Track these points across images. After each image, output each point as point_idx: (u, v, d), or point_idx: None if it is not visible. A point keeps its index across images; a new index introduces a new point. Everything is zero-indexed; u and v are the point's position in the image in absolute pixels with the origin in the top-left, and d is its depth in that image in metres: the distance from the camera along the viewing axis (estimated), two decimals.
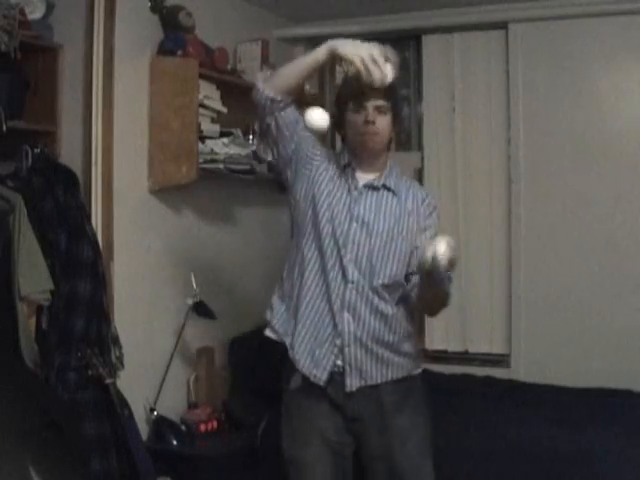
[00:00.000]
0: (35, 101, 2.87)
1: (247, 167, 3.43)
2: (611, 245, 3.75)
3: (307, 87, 4.09)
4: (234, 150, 3.37)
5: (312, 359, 2.26)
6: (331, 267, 2.24)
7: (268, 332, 2.43)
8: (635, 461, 2.82)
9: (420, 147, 4.21)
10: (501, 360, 4.02)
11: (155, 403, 3.12)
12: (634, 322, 3.67)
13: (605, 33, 3.71)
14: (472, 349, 4.07)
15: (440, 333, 4.09)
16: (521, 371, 3.90)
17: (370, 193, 2.29)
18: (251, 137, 3.67)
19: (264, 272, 3.91)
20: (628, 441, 2.91)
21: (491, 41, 4.00)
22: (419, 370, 2.40)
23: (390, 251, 2.26)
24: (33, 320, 2.62)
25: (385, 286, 2.26)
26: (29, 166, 2.71)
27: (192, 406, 3.34)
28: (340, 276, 2.24)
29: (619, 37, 3.70)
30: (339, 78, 4.55)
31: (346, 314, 2.24)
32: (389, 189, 2.30)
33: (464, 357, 4.07)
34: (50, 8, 2.89)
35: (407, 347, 2.34)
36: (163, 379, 3.16)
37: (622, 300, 3.72)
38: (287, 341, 2.33)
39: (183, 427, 3.18)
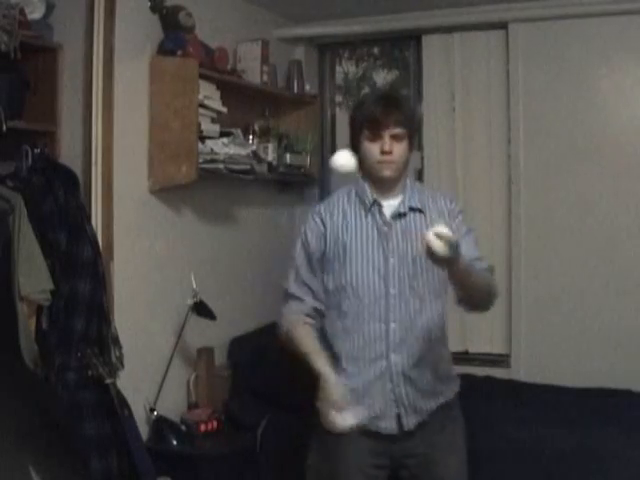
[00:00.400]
0: (35, 101, 2.87)
1: (247, 167, 3.44)
2: (611, 245, 3.75)
3: (307, 87, 4.10)
4: (234, 150, 3.37)
5: (375, 414, 2.19)
6: (373, 313, 2.19)
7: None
8: (635, 461, 2.82)
9: (420, 147, 4.21)
10: (501, 360, 4.02)
11: (155, 403, 3.12)
12: (634, 322, 3.67)
13: (605, 33, 3.71)
14: (472, 349, 4.07)
15: None
16: (521, 371, 3.90)
17: (399, 222, 2.23)
18: (251, 137, 3.67)
19: (264, 272, 3.91)
20: (628, 441, 2.91)
21: (491, 41, 3.99)
22: (458, 389, 2.37)
23: (430, 273, 2.20)
24: (33, 320, 2.62)
25: (430, 308, 2.23)
26: (29, 166, 2.71)
27: (192, 406, 3.34)
28: (383, 319, 2.19)
29: (619, 37, 3.69)
30: (339, 78, 4.56)
31: (392, 355, 2.19)
32: (415, 209, 2.25)
33: (464, 357, 4.06)
34: (50, 8, 2.89)
35: (449, 370, 2.34)
36: (163, 379, 3.16)
37: (622, 300, 3.72)
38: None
39: (183, 427, 3.18)
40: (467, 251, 2.19)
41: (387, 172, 2.20)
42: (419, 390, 2.22)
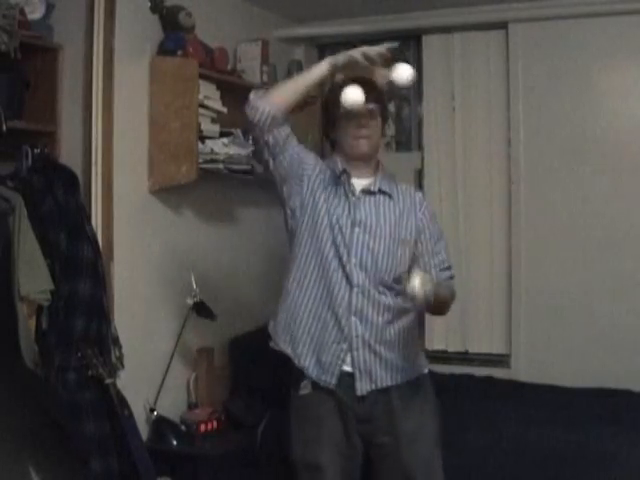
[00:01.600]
0: (35, 101, 2.87)
1: (247, 167, 3.43)
2: (611, 245, 3.75)
3: None
4: (234, 150, 3.37)
5: (320, 365, 2.28)
6: (333, 272, 2.26)
7: (272, 344, 2.45)
8: (635, 461, 2.82)
9: (420, 147, 4.21)
10: (501, 360, 4.02)
11: (155, 403, 3.12)
12: (634, 322, 3.67)
13: (605, 33, 3.71)
14: (472, 349, 4.07)
15: (440, 333, 4.09)
16: (521, 371, 3.90)
17: (368, 198, 2.31)
18: (251, 137, 3.66)
19: (264, 272, 3.91)
20: (628, 441, 2.91)
21: (491, 41, 3.99)
22: (426, 370, 2.42)
23: (394, 253, 2.28)
24: (33, 320, 2.62)
25: (390, 287, 2.28)
26: (29, 166, 2.71)
27: (192, 406, 3.34)
28: (344, 281, 2.25)
29: (619, 37, 3.69)
30: (339, 78, 4.55)
31: (353, 318, 2.25)
32: (384, 193, 2.33)
33: (464, 357, 4.06)
34: (50, 8, 2.89)
35: (414, 348, 2.37)
36: (163, 379, 3.16)
37: (622, 300, 3.72)
38: (290, 351, 2.35)
39: (183, 427, 3.18)
40: (439, 259, 2.35)
41: (363, 147, 2.29)
42: (377, 358, 2.27)
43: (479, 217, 4.04)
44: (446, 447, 2.44)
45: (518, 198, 3.92)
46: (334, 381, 2.27)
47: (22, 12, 2.72)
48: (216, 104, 3.32)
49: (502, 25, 3.91)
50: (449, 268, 2.40)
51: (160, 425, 3.10)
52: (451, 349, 4.11)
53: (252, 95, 2.29)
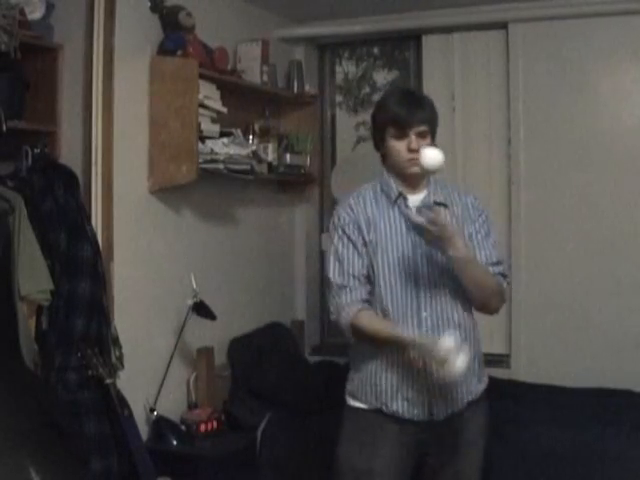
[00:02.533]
0: (35, 101, 2.87)
1: (247, 167, 3.43)
2: (611, 245, 3.74)
3: (307, 87, 4.10)
4: (234, 150, 3.37)
5: (408, 401, 2.23)
6: (405, 302, 2.22)
7: (352, 402, 2.34)
8: (635, 461, 2.82)
9: None
10: (501, 360, 4.02)
11: (155, 403, 3.12)
12: (634, 322, 3.67)
13: (605, 33, 3.71)
14: None
15: None
16: (521, 371, 3.90)
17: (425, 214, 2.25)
18: (251, 137, 3.67)
19: (264, 272, 3.91)
20: (628, 441, 2.91)
21: (491, 41, 3.99)
22: (487, 384, 2.38)
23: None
24: (33, 320, 2.62)
25: (461, 299, 2.27)
26: (29, 166, 2.71)
27: (192, 406, 3.34)
28: (415, 306, 2.22)
29: (619, 37, 3.69)
30: (339, 78, 4.55)
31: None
32: (440, 204, 2.29)
33: None
34: (50, 8, 2.89)
35: (481, 359, 2.36)
36: (163, 379, 3.16)
37: (622, 300, 3.72)
38: (372, 402, 2.28)
39: (183, 427, 3.18)
40: (486, 253, 2.29)
41: (415, 168, 2.24)
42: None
43: None
44: None
45: (518, 198, 3.92)
46: (426, 412, 2.23)
47: (22, 12, 2.72)
48: (216, 104, 3.32)
49: (502, 25, 3.91)
50: (501, 263, 2.33)
51: (160, 425, 3.10)
52: None
53: (337, 319, 2.28)
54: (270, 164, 3.76)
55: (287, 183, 4.11)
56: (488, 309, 2.38)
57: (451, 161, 4.07)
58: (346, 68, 4.56)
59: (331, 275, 2.28)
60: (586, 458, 2.86)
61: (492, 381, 3.77)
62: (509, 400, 3.48)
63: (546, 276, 3.88)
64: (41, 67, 2.90)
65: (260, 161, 3.61)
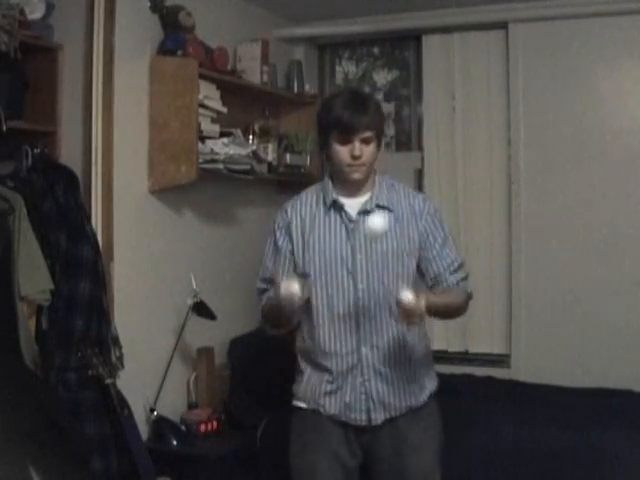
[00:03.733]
0: (35, 101, 2.87)
1: (247, 167, 3.43)
2: (611, 245, 3.75)
3: (307, 87, 4.10)
4: (234, 150, 3.36)
5: (345, 405, 2.25)
6: (342, 308, 2.22)
7: (297, 402, 2.37)
8: (635, 461, 2.82)
9: (420, 147, 4.21)
10: (501, 360, 4.02)
11: (155, 403, 3.12)
12: (634, 322, 3.67)
13: (605, 33, 3.71)
14: (472, 349, 4.07)
15: (440, 333, 4.08)
16: (521, 371, 3.90)
17: (365, 218, 2.23)
18: (251, 137, 3.67)
19: None
20: (628, 441, 2.91)
21: (491, 41, 4.00)
22: (436, 385, 2.39)
23: (399, 270, 2.23)
24: (33, 320, 2.62)
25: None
26: (29, 166, 2.71)
27: (192, 406, 3.34)
28: (353, 313, 2.22)
29: (619, 37, 3.70)
30: (339, 78, 4.56)
31: (364, 349, 2.22)
32: (383, 207, 2.26)
33: (464, 357, 4.07)
34: (50, 8, 2.89)
35: (427, 370, 2.36)
36: (163, 379, 3.16)
37: (622, 300, 3.72)
38: (311, 404, 2.31)
39: (183, 427, 3.18)
40: (447, 262, 2.28)
41: (356, 175, 2.22)
42: (390, 386, 2.24)
43: (479, 217, 4.04)
44: (446, 447, 2.44)
45: (518, 198, 3.93)
46: (364, 417, 2.24)
47: (22, 12, 2.72)
48: (216, 104, 3.32)
49: (502, 25, 3.92)
50: (460, 267, 2.32)
51: (160, 425, 3.10)
52: (451, 349, 4.11)
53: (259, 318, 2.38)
54: (270, 164, 3.76)
55: (287, 183, 4.11)
56: (458, 317, 2.44)
57: (451, 161, 4.08)
58: (346, 68, 4.57)
59: (256, 283, 2.37)
60: (586, 458, 2.86)
61: (492, 381, 3.84)
62: (509, 400, 3.48)
63: (546, 276, 3.88)
64: (41, 67, 2.90)
65: (260, 161, 3.61)
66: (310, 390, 2.31)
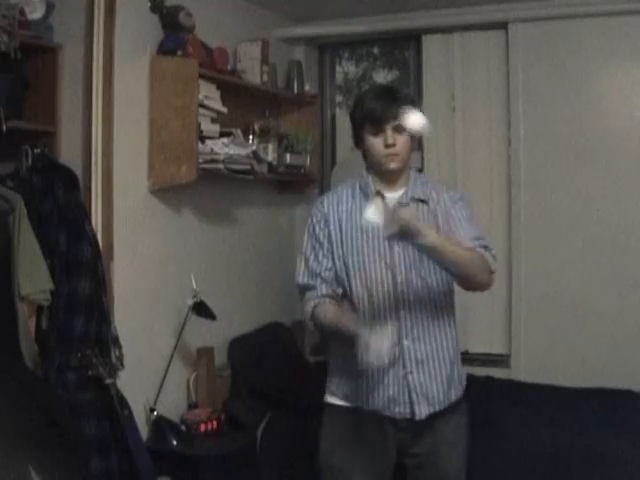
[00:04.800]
0: (35, 101, 2.87)
1: (247, 167, 3.43)
2: (611, 245, 3.75)
3: (307, 87, 4.10)
4: (234, 150, 3.36)
5: (388, 398, 2.24)
6: (382, 300, 2.22)
7: (332, 399, 2.37)
8: (635, 461, 2.82)
9: (420, 147, 4.21)
10: (501, 360, 4.02)
11: (155, 403, 3.12)
12: (634, 322, 3.67)
13: (605, 33, 3.71)
14: (472, 349, 4.07)
15: None
16: (521, 371, 3.90)
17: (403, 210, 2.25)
18: (251, 137, 3.67)
19: (264, 272, 3.91)
20: (628, 441, 2.91)
21: (491, 41, 4.00)
22: (466, 385, 2.40)
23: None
24: (33, 320, 2.62)
25: (438, 298, 2.26)
26: (29, 166, 2.71)
27: (192, 406, 3.34)
28: (393, 307, 2.22)
29: (619, 37, 3.70)
30: (339, 78, 4.56)
31: (405, 342, 2.22)
32: (418, 200, 2.28)
33: (464, 357, 4.00)
34: (50, 8, 2.89)
35: (461, 363, 2.37)
36: (163, 379, 3.16)
37: (622, 300, 3.72)
38: (352, 401, 2.30)
39: (183, 427, 3.18)
40: (464, 231, 2.26)
41: (392, 164, 2.24)
42: (432, 379, 2.25)
43: (479, 217, 4.02)
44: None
45: (518, 198, 3.93)
46: (408, 410, 2.23)
47: (22, 12, 2.72)
48: (216, 104, 3.32)
49: (502, 25, 3.92)
50: (479, 238, 2.28)
51: (160, 425, 3.10)
52: None
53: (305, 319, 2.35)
54: (270, 164, 3.76)
55: (287, 183, 4.11)
56: (478, 285, 2.26)
57: (451, 161, 4.08)
58: (346, 68, 4.57)
59: (299, 278, 2.32)
60: (586, 458, 2.86)
61: (492, 381, 3.84)
62: (509, 400, 3.48)
63: (546, 276, 3.88)
64: (41, 67, 2.89)
65: (260, 161, 3.61)
66: (348, 386, 2.29)
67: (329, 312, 2.23)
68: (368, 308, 2.24)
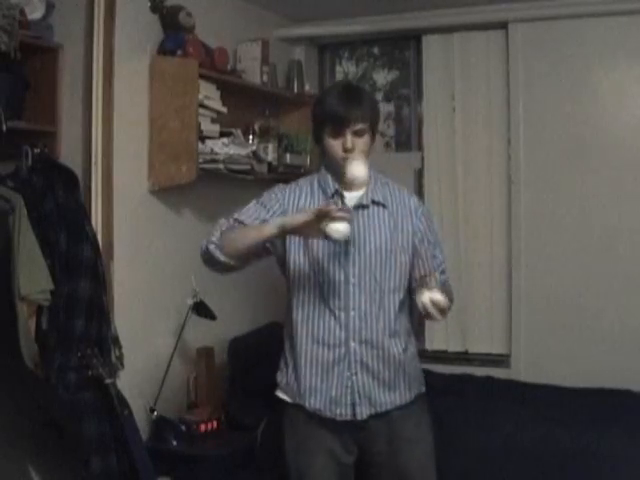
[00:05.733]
0: (35, 101, 2.87)
1: (247, 167, 3.44)
2: (612, 245, 3.75)
3: (307, 87, 4.10)
4: (234, 150, 3.37)
5: (330, 400, 2.24)
6: (332, 301, 2.21)
7: (279, 394, 2.39)
8: (635, 461, 2.82)
9: (420, 147, 4.21)
10: (501, 360, 4.02)
11: (155, 403, 3.12)
12: (634, 322, 3.67)
13: (605, 33, 3.71)
14: (472, 349, 4.07)
15: (440, 333, 4.09)
16: (521, 371, 3.91)
17: (361, 212, 2.24)
18: (251, 137, 3.67)
19: (264, 272, 3.89)
20: (628, 441, 2.91)
21: (491, 41, 4.00)
22: (424, 389, 2.38)
23: (391, 265, 2.23)
24: (33, 320, 2.62)
25: (391, 303, 2.25)
26: (29, 166, 2.71)
27: (192, 406, 3.34)
28: (343, 307, 2.22)
29: (619, 37, 3.70)
30: (339, 78, 4.56)
31: (352, 343, 2.22)
32: (378, 203, 2.27)
33: (464, 357, 4.07)
34: (50, 8, 2.89)
35: (414, 366, 2.35)
36: (163, 379, 3.16)
37: (622, 300, 3.72)
38: (296, 398, 2.31)
39: (183, 427, 3.18)
40: (436, 262, 2.27)
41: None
42: (376, 380, 2.24)
43: (479, 217, 4.04)
44: (446, 447, 2.44)
45: (518, 198, 3.93)
46: (349, 411, 2.23)
47: (22, 12, 2.72)
48: (216, 104, 3.32)
49: (502, 25, 3.92)
50: (445, 270, 2.34)
51: (160, 425, 3.10)
52: (451, 349, 4.11)
53: (205, 244, 2.31)
54: (270, 164, 3.76)
55: (287, 183, 4.11)
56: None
57: (451, 161, 4.08)
58: (346, 68, 4.57)
59: (224, 219, 2.28)
60: (586, 458, 2.86)
61: (492, 381, 3.84)
62: (509, 400, 3.48)
63: (546, 276, 3.88)
64: (41, 67, 2.89)
65: (260, 161, 3.61)
66: (295, 383, 2.29)
67: (242, 228, 2.22)
68: (318, 305, 2.22)
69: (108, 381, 2.68)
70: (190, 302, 3.17)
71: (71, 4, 2.93)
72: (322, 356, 2.23)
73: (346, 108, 2.18)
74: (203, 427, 3.17)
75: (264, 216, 2.29)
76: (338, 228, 2.00)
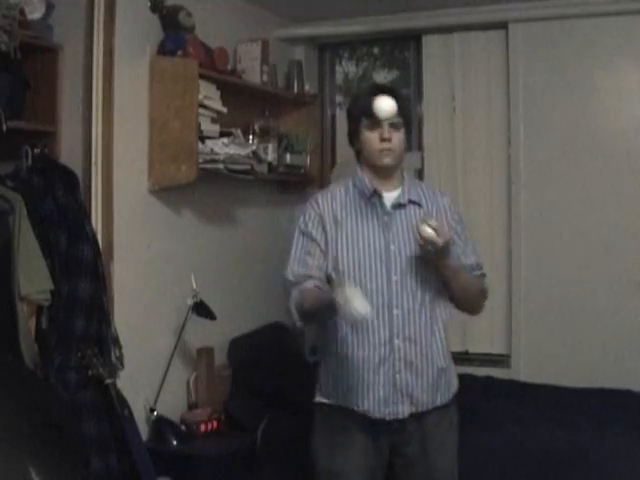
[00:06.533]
0: (35, 101, 2.87)
1: (247, 167, 3.43)
2: (611, 245, 3.75)
3: (307, 87, 4.10)
4: (234, 150, 3.37)
5: (379, 401, 2.24)
6: (375, 300, 2.21)
7: (321, 398, 2.38)
8: (635, 461, 2.82)
9: (420, 147, 4.21)
10: (501, 360, 4.02)
11: (155, 403, 3.12)
12: (634, 322, 3.67)
13: (605, 33, 3.71)
14: (472, 349, 4.07)
15: None
16: (521, 371, 3.91)
17: (399, 212, 2.29)
18: (251, 137, 3.67)
19: (264, 272, 3.91)
20: (628, 441, 2.91)
21: (491, 41, 4.00)
22: (457, 389, 2.40)
23: (429, 262, 2.24)
24: (33, 320, 2.62)
25: (431, 300, 2.28)
26: (29, 166, 2.71)
27: (192, 406, 3.34)
28: (386, 305, 2.23)
29: (619, 37, 3.70)
30: (339, 78, 4.56)
31: (396, 341, 2.23)
32: (414, 202, 2.31)
33: (464, 357, 4.06)
34: (50, 8, 2.89)
35: (452, 366, 2.38)
36: (163, 379, 3.16)
37: (622, 300, 3.72)
38: (339, 400, 2.31)
39: (183, 427, 3.18)
40: (470, 259, 2.33)
41: (387, 159, 2.27)
42: (420, 379, 2.25)
43: (479, 217, 4.04)
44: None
45: (518, 198, 3.93)
46: (401, 409, 2.24)
47: (22, 12, 2.72)
48: (216, 104, 3.32)
49: (502, 25, 3.92)
50: (479, 266, 2.38)
51: (160, 425, 3.10)
52: (451, 349, 4.09)
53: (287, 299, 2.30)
54: (270, 164, 3.76)
55: (287, 183, 4.11)
56: (473, 310, 2.42)
57: (451, 161, 4.08)
58: (346, 68, 4.57)
59: (288, 275, 2.29)
60: (586, 458, 2.86)
61: (492, 381, 3.84)
62: (509, 400, 3.48)
63: (546, 276, 3.88)
64: (41, 67, 2.89)
65: (260, 161, 3.61)
66: (339, 386, 2.29)
67: (307, 291, 2.21)
68: None
69: (108, 381, 2.68)
70: (190, 302, 3.17)
71: (71, 4, 2.93)
72: (368, 356, 2.24)
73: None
74: (203, 427, 3.18)
75: (313, 250, 2.29)
76: (358, 306, 1.97)
